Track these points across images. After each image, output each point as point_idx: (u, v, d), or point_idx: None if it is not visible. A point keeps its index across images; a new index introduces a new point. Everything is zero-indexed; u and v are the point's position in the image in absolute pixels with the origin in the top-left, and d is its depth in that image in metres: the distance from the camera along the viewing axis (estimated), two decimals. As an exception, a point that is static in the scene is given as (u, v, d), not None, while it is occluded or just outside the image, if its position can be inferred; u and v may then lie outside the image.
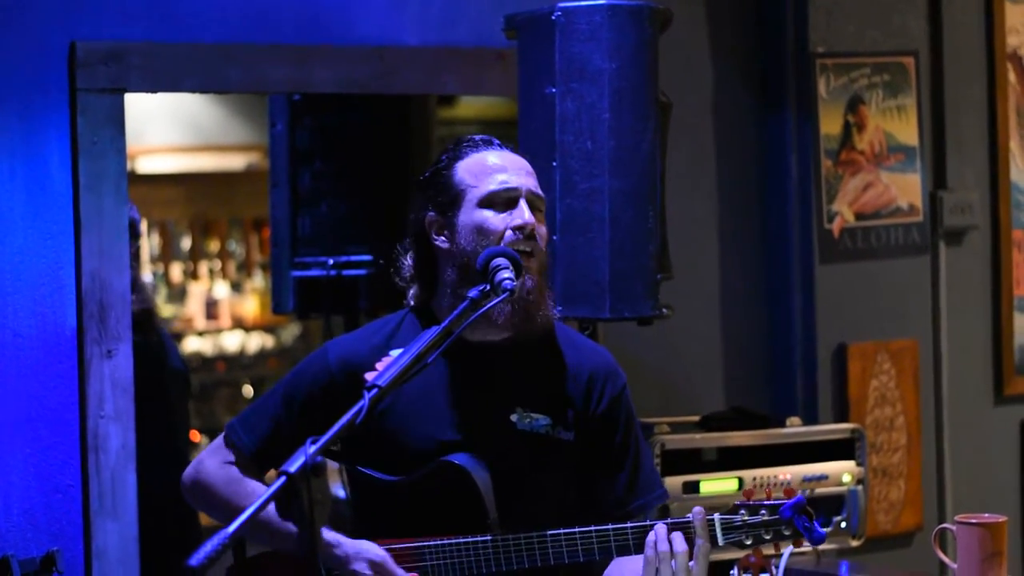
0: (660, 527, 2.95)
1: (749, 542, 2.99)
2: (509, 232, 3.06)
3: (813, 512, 2.99)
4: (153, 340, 4.97)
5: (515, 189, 3.09)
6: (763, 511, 2.99)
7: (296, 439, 3.03)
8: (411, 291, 3.21)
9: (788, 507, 2.97)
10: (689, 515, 2.97)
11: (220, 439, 3.19)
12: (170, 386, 4.97)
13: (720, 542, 2.98)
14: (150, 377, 4.40)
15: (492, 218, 3.07)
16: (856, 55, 4.85)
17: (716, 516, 2.98)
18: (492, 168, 3.11)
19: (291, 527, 2.89)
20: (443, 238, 3.12)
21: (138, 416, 4.05)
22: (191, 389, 5.39)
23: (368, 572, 2.97)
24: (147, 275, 4.85)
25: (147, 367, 4.30)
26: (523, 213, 3.07)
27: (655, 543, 2.93)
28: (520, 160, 3.16)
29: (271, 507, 2.80)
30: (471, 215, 3.08)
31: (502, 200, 3.08)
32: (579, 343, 3.25)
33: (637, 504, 3.15)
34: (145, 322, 4.87)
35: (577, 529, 2.97)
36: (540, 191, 3.15)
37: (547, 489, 3.10)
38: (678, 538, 2.94)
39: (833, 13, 4.82)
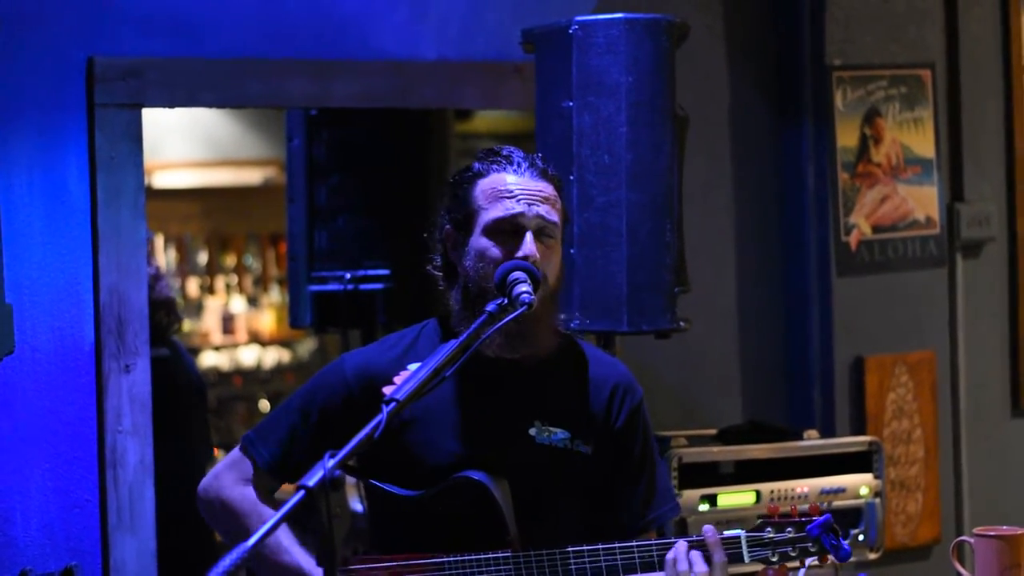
0: (680, 544, 2.94)
1: (775, 559, 2.97)
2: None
3: (839, 529, 2.98)
4: (173, 338, 4.97)
5: (521, 216, 3.01)
6: (790, 528, 2.97)
7: (313, 451, 3.02)
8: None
9: (816, 526, 2.95)
10: (702, 536, 2.96)
11: (236, 451, 3.16)
12: (186, 396, 4.97)
13: (746, 559, 2.96)
14: (166, 386, 4.39)
15: (494, 248, 3.00)
16: (873, 67, 4.85)
17: (742, 533, 2.97)
18: (504, 192, 3.03)
19: (295, 557, 2.92)
20: (457, 255, 3.09)
21: (156, 428, 4.05)
22: (208, 402, 5.39)
23: None
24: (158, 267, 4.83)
25: (162, 376, 4.29)
26: (526, 247, 2.99)
27: (675, 562, 2.92)
28: (537, 183, 3.05)
29: (277, 538, 2.83)
30: (478, 241, 3.03)
31: (507, 229, 3.01)
32: (596, 357, 3.23)
33: (652, 517, 3.13)
34: (167, 315, 4.86)
35: (601, 545, 2.95)
36: (553, 216, 3.04)
37: (565, 502, 3.08)
38: (697, 557, 2.92)
39: (850, 26, 4.82)
